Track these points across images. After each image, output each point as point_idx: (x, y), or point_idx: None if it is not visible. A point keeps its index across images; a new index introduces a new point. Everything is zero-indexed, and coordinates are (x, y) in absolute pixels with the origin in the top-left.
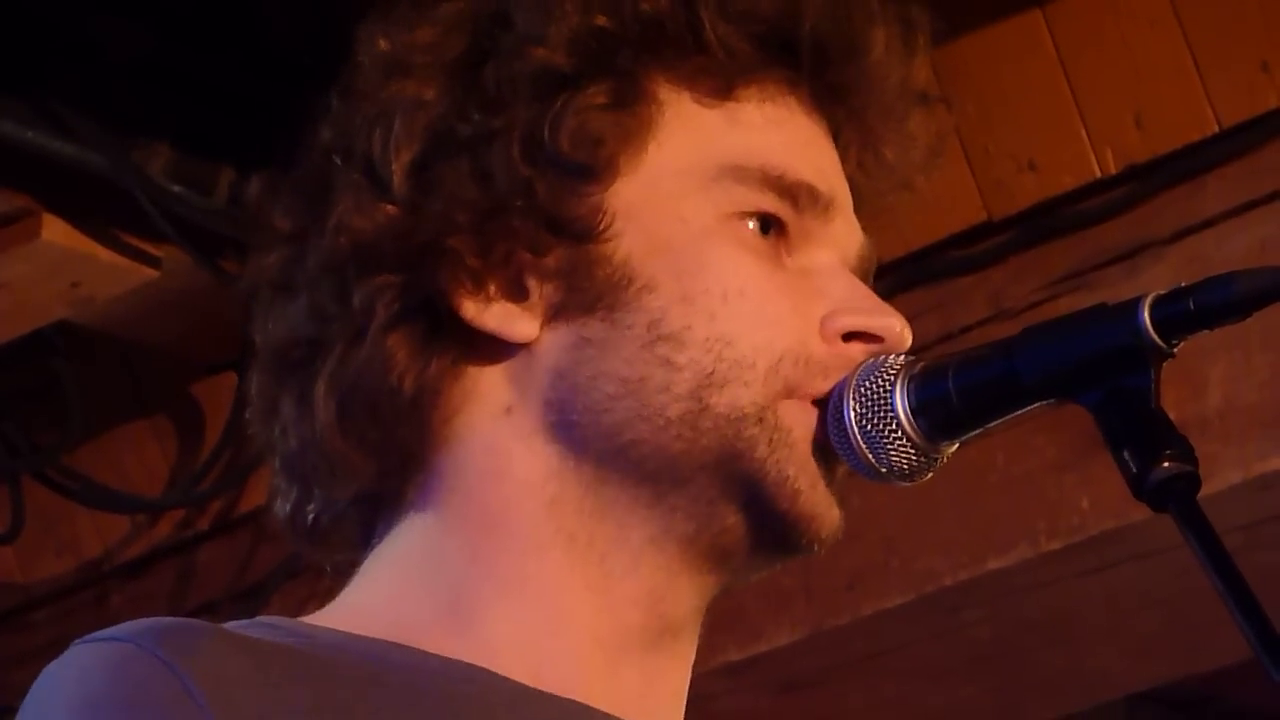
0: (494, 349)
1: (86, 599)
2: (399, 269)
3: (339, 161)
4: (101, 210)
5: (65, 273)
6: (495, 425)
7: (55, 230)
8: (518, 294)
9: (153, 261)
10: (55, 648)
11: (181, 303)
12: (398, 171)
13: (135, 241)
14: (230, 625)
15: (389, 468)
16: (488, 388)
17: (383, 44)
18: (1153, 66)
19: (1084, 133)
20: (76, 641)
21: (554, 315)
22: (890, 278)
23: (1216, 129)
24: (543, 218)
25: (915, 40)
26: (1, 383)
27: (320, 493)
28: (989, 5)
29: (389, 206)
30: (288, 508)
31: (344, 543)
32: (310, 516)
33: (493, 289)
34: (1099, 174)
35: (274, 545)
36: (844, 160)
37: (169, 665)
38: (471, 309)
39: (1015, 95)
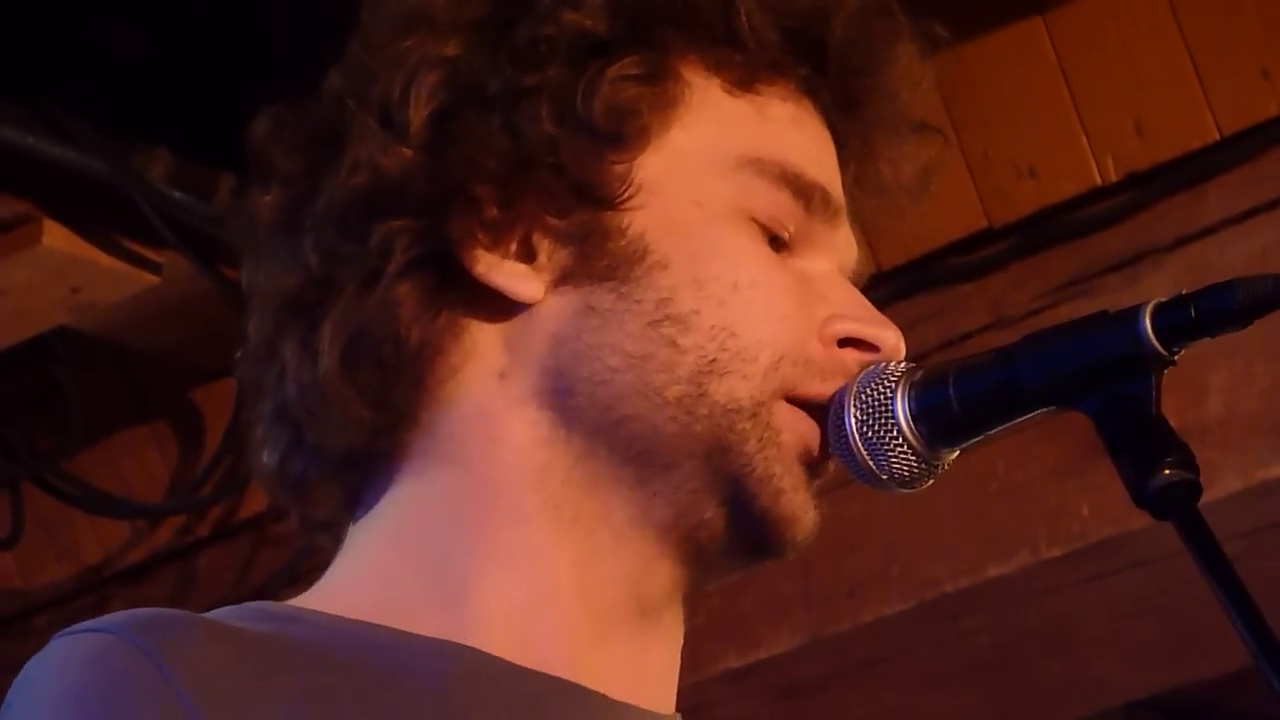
0: (495, 309)
1: (87, 605)
2: (418, 213)
3: (353, 107)
4: (102, 216)
5: (65, 278)
6: (488, 389)
7: (55, 236)
8: (527, 254)
9: (153, 267)
10: None
11: (182, 308)
12: (416, 119)
13: (135, 247)
14: (221, 611)
15: (383, 424)
16: (485, 349)
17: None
18: (1153, 74)
19: (1084, 140)
20: (57, 634)
21: (561, 280)
22: (890, 284)
23: (1217, 136)
24: (567, 179)
25: (929, 62)
26: (1, 388)
27: (312, 442)
28: (990, 12)
29: (406, 150)
30: (276, 457)
31: (329, 503)
32: (298, 468)
33: (504, 245)
34: (1099, 181)
35: (274, 551)
36: (843, 172)
37: (149, 655)
38: (482, 264)
39: (1016, 102)
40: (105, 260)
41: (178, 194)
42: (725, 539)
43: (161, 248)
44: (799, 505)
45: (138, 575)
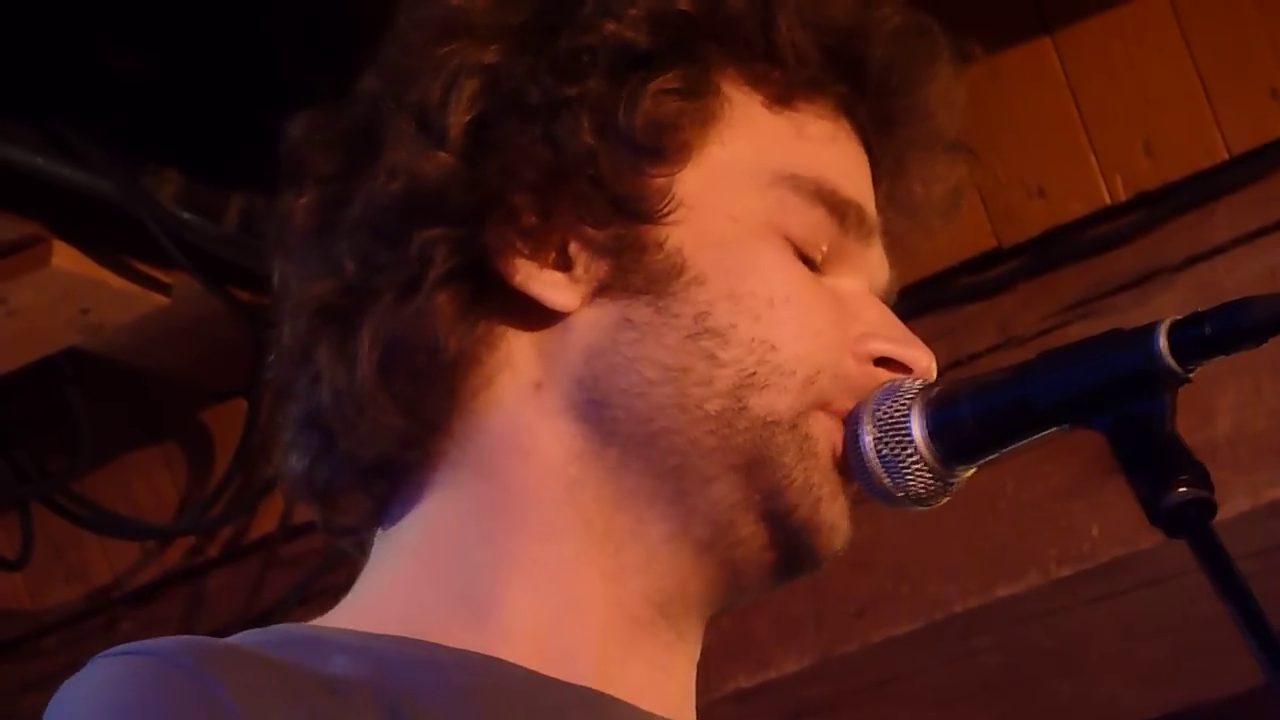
0: (532, 318)
1: (96, 626)
2: (456, 221)
3: (390, 109)
4: (111, 237)
5: (75, 299)
6: (522, 401)
7: (65, 257)
8: (564, 265)
9: (163, 288)
10: (65, 675)
11: (191, 329)
12: (455, 127)
13: (145, 268)
14: (244, 635)
15: (414, 434)
16: (520, 359)
17: (437, 3)
18: (1162, 93)
19: (1093, 160)
20: (96, 656)
21: (598, 293)
22: (900, 304)
23: (1226, 156)
24: (606, 191)
25: (963, 81)
26: (11, 409)
27: (343, 448)
28: (998, 32)
29: (445, 156)
30: (306, 462)
31: (356, 510)
32: (326, 474)
33: (543, 255)
34: (1109, 201)
35: (284, 571)
36: (875, 189)
37: (200, 676)
38: (520, 272)
39: (1025, 122)
40: (115, 281)
41: (187, 215)
42: (762, 557)
43: (171, 269)
44: (837, 513)
45: (147, 596)
